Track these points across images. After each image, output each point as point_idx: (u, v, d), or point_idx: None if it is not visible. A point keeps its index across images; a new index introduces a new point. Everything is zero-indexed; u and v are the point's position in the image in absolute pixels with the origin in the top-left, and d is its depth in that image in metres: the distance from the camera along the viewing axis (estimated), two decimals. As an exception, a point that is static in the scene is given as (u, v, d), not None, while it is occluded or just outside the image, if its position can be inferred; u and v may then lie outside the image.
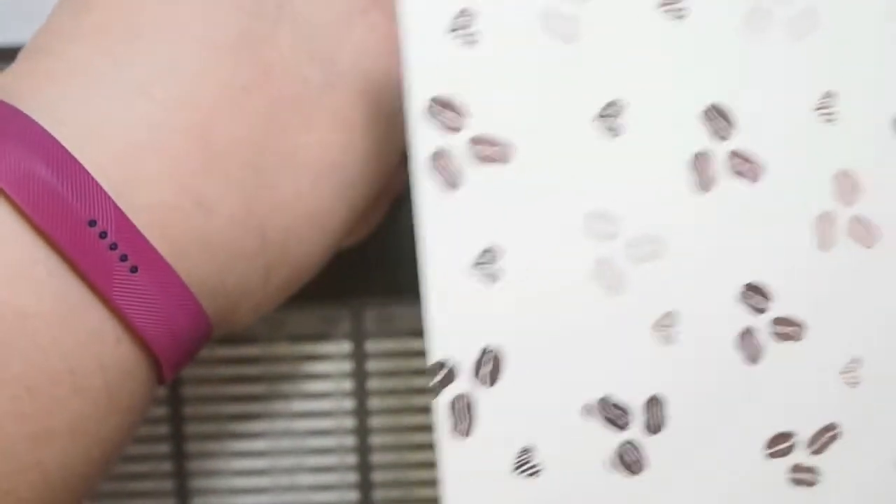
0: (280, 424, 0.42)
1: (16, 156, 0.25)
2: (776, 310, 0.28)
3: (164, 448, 0.42)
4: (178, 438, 0.42)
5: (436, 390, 0.26)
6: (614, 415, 0.27)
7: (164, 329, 0.27)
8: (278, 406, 0.42)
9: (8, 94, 0.27)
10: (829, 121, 0.27)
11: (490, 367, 0.26)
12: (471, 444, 0.27)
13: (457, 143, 0.26)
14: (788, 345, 0.28)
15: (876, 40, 0.28)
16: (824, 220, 0.27)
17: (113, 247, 0.26)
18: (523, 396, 0.27)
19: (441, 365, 0.26)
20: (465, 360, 0.26)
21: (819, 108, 0.27)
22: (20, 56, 0.28)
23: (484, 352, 0.26)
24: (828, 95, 0.27)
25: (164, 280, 0.27)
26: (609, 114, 0.26)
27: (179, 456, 0.42)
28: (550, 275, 0.26)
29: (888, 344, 0.28)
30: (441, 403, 0.26)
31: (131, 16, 0.28)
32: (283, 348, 0.42)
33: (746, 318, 0.27)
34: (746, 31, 0.27)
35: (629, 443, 0.27)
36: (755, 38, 0.27)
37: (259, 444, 0.42)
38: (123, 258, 0.26)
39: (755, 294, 0.27)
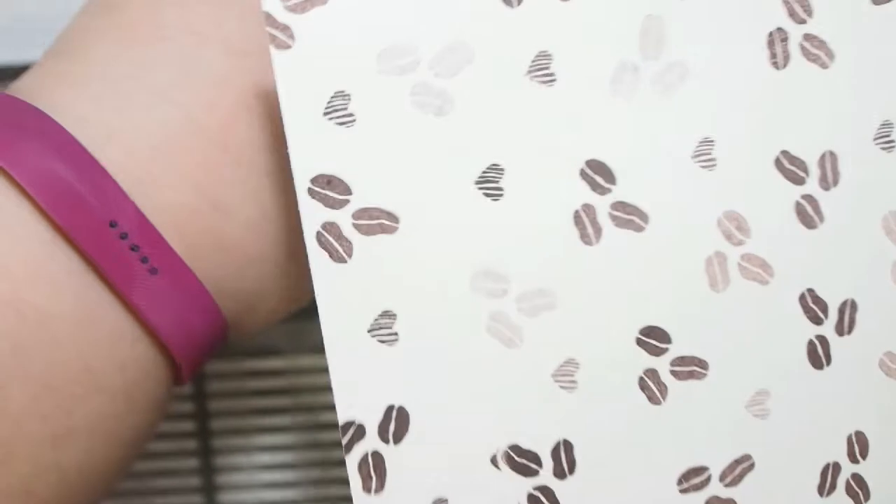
0: (306, 436, 0.42)
1: (36, 155, 0.25)
2: (675, 350, 0.28)
3: (192, 462, 0.43)
4: (205, 452, 0.42)
5: (346, 449, 0.26)
6: (523, 462, 0.27)
7: (181, 330, 0.27)
8: (304, 418, 0.43)
9: (30, 93, 0.27)
10: (708, 166, 0.27)
11: (396, 424, 0.27)
12: (384, 499, 0.27)
13: (342, 217, 0.26)
14: (692, 383, 0.28)
15: (749, 85, 0.28)
16: (714, 261, 0.28)
17: (134, 248, 0.26)
18: (432, 450, 0.27)
19: (349, 425, 0.26)
20: (371, 420, 0.27)
21: (696, 156, 0.27)
22: (42, 57, 0.28)
23: (388, 410, 0.27)
24: (704, 142, 0.27)
25: (183, 282, 0.27)
26: (489, 178, 0.27)
27: (207, 469, 0.42)
28: (446, 333, 0.27)
29: (793, 374, 0.28)
30: (351, 462, 0.26)
31: (153, 20, 0.28)
32: (307, 360, 0.42)
33: (646, 360, 0.28)
34: (615, 87, 0.27)
35: (541, 488, 0.27)
36: (625, 94, 0.27)
37: (286, 457, 0.43)
38: (144, 260, 0.26)
39: (652, 337, 0.27)
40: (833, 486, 0.29)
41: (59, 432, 0.25)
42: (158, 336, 0.27)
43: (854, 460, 0.29)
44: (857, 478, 0.29)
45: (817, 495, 0.29)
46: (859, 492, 0.29)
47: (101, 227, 0.25)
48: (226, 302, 0.28)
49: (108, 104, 0.27)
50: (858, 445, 0.29)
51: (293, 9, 0.26)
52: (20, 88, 0.27)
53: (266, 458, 0.42)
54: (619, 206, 0.27)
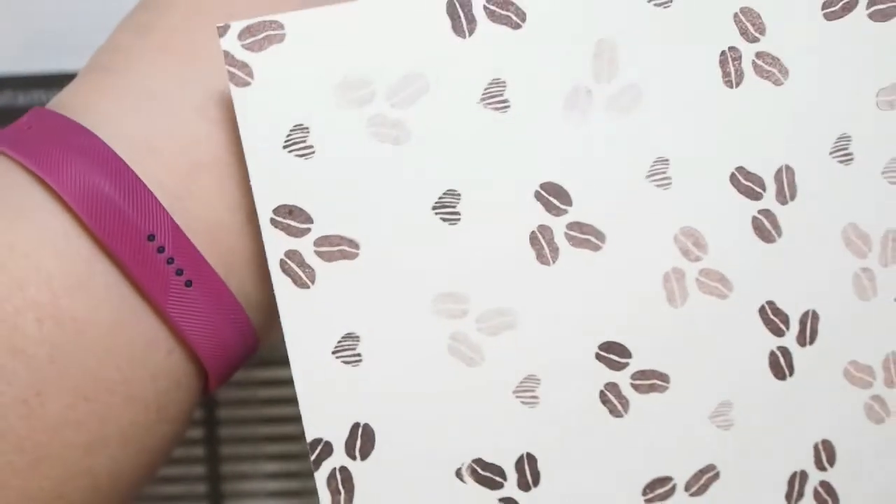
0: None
1: (79, 169, 0.25)
2: (636, 364, 0.27)
3: (199, 469, 0.42)
4: (213, 460, 0.42)
5: (315, 465, 0.26)
6: (488, 475, 0.27)
7: (213, 341, 0.27)
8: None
9: (71, 109, 0.27)
10: (663, 185, 0.27)
11: (362, 441, 0.27)
12: (354, 513, 0.27)
13: (304, 245, 0.26)
14: (653, 396, 0.27)
15: (703, 104, 0.27)
16: (672, 277, 0.27)
17: (170, 261, 0.26)
18: (398, 465, 0.27)
19: (317, 442, 0.26)
20: (338, 437, 0.27)
21: (651, 175, 0.27)
22: (82, 72, 0.28)
23: (354, 428, 0.26)
24: (659, 161, 0.27)
25: (216, 294, 0.27)
26: (446, 203, 0.27)
27: (214, 477, 0.42)
28: (409, 353, 0.27)
29: (756, 385, 0.28)
30: (320, 477, 0.26)
31: (189, 37, 0.28)
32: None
33: (606, 375, 0.27)
34: (569, 111, 0.27)
35: (506, 500, 0.27)
36: (579, 117, 0.27)
37: (293, 466, 0.42)
38: (179, 272, 0.26)
39: (612, 352, 0.27)
40: (801, 494, 0.28)
41: (92, 439, 0.26)
42: (191, 346, 0.27)
43: (821, 468, 0.28)
44: (825, 485, 0.28)
45: (785, 503, 0.28)
46: (828, 499, 0.28)
47: (139, 240, 0.25)
48: (255, 313, 0.28)
49: (148, 120, 0.27)
50: (825, 453, 0.28)
51: (251, 47, 0.26)
52: (62, 104, 0.27)
53: (273, 467, 0.42)
54: (576, 226, 0.27)
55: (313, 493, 0.39)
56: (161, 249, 0.26)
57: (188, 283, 0.27)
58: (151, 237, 0.26)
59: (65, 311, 0.25)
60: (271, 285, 0.28)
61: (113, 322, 0.26)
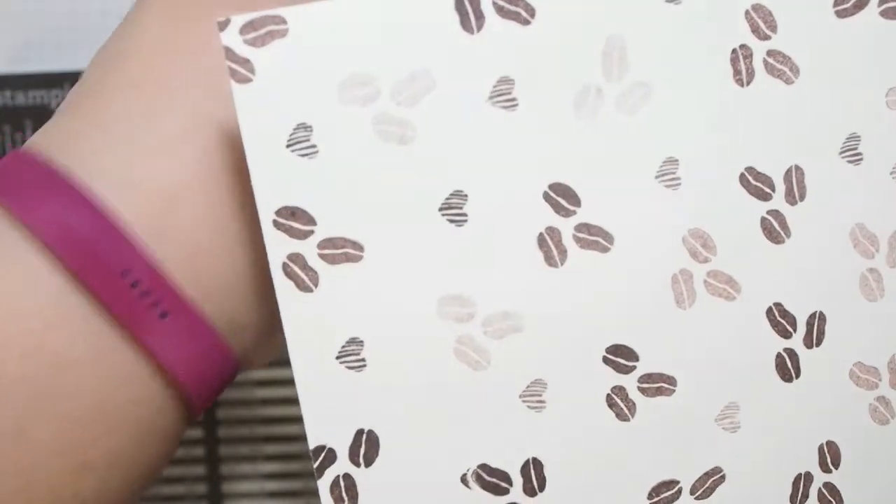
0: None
1: (54, 209, 0.25)
2: (643, 367, 0.26)
3: (198, 470, 0.42)
4: (212, 460, 0.42)
5: (318, 473, 0.25)
6: (494, 481, 0.26)
7: (192, 368, 0.27)
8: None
9: (46, 148, 0.27)
10: (672, 185, 0.26)
11: (366, 447, 0.25)
12: (357, 520, 0.26)
13: (307, 247, 0.25)
14: (660, 399, 0.27)
15: (713, 103, 0.26)
16: (680, 279, 0.26)
17: (144, 295, 0.26)
18: (402, 472, 0.26)
19: (320, 449, 0.25)
20: (341, 444, 0.26)
21: (660, 175, 0.26)
22: (57, 112, 0.28)
23: (358, 434, 0.25)
24: (668, 161, 0.26)
25: (193, 323, 0.27)
26: (452, 204, 0.25)
27: (214, 478, 0.42)
28: (414, 358, 0.26)
29: (762, 388, 0.27)
30: (323, 485, 0.25)
31: (160, 73, 0.27)
32: (314, 370, 0.41)
33: (613, 378, 0.26)
34: (579, 110, 0.26)
35: (512, 505, 0.26)
36: (588, 116, 0.26)
37: (293, 466, 0.42)
38: (154, 305, 0.26)
39: (619, 355, 0.26)
40: (805, 496, 0.27)
41: (78, 466, 0.26)
42: (171, 375, 0.27)
43: (826, 470, 0.27)
44: (829, 487, 0.27)
45: (790, 505, 0.27)
46: (832, 501, 0.28)
47: (113, 276, 0.26)
48: (236, 337, 0.28)
49: (125, 156, 0.26)
50: (830, 455, 0.27)
51: (253, 42, 0.25)
52: (39, 144, 0.27)
53: (272, 467, 0.42)
54: (584, 227, 0.26)
55: (313, 493, 0.38)
56: (135, 284, 0.26)
57: (163, 315, 0.26)
58: (126, 272, 0.26)
59: (45, 347, 0.25)
60: (260, 306, 0.28)
61: (92, 355, 0.26)
